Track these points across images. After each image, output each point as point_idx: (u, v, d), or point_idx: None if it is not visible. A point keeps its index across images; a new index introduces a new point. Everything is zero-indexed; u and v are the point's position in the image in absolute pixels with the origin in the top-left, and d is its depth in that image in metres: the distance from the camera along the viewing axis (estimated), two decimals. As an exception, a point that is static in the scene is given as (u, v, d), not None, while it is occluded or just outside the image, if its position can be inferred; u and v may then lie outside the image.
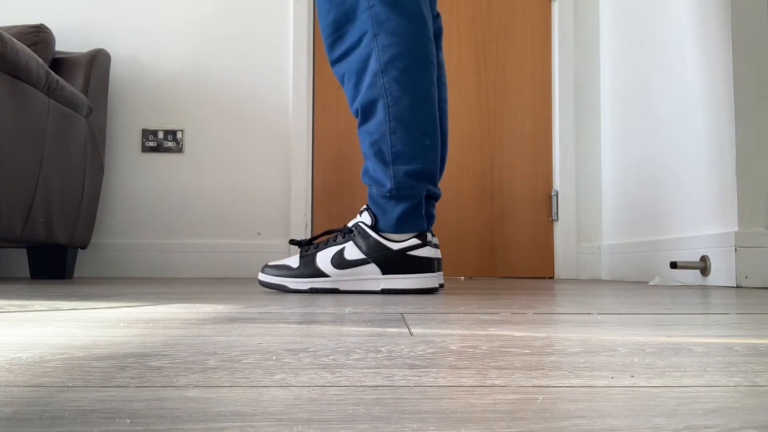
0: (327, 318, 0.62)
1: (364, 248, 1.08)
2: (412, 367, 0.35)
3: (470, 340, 0.46)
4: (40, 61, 1.65)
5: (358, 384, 0.30)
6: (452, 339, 0.46)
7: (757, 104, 1.45)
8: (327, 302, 0.84)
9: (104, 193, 2.20)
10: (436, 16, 1.24)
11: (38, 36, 1.90)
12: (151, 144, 2.22)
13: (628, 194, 2.07)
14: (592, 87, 2.30)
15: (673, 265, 1.51)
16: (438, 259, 1.11)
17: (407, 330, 0.51)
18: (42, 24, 1.95)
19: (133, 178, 2.22)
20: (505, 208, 2.28)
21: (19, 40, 1.65)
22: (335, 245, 1.10)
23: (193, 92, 2.24)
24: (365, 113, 1.09)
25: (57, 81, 1.72)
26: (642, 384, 0.31)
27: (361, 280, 1.09)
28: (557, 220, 2.26)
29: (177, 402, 0.26)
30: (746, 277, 1.40)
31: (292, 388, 0.29)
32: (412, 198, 1.09)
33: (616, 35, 2.17)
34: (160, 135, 2.22)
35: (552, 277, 2.26)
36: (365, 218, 1.10)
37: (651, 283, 1.61)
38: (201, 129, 2.24)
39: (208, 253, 2.18)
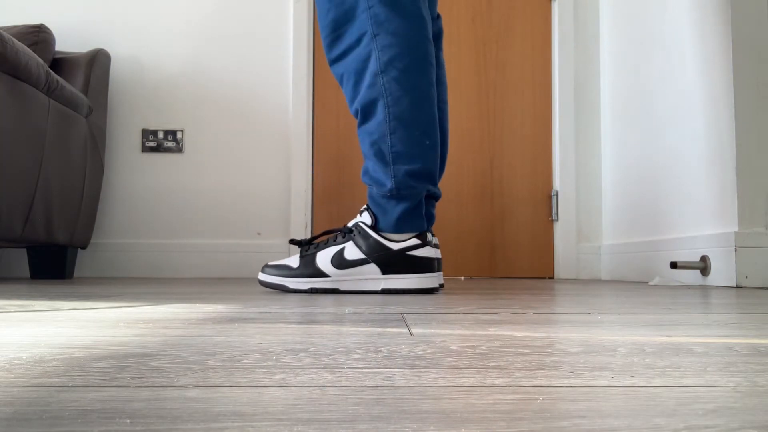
0: (327, 318, 0.62)
1: (364, 248, 1.08)
2: (412, 367, 0.35)
3: (470, 340, 0.46)
4: (40, 61, 1.65)
5: (358, 384, 0.30)
6: (452, 339, 0.46)
7: (757, 104, 1.45)
8: (327, 302, 0.84)
9: (104, 193, 2.20)
10: (437, 17, 1.24)
11: (38, 36, 1.90)
12: (151, 144, 2.22)
13: (628, 194, 2.06)
14: (592, 87, 2.30)
15: (673, 265, 1.51)
16: (438, 259, 1.11)
17: (407, 330, 0.51)
18: (42, 24, 1.95)
19: (133, 178, 2.22)
20: (505, 208, 2.28)
21: (19, 40, 1.65)
22: (335, 245, 1.10)
23: (193, 92, 2.24)
24: (365, 113, 1.09)
25: (57, 81, 1.72)
26: (642, 384, 0.31)
27: (361, 280, 1.09)
28: (557, 220, 2.26)
29: (177, 402, 0.26)
30: (746, 277, 1.40)
31: (292, 388, 0.29)
32: (413, 198, 1.09)
33: (616, 35, 2.17)
34: (160, 135, 2.22)
35: (552, 277, 2.26)
36: (365, 218, 1.10)
37: (651, 283, 1.61)
38: (201, 129, 2.24)
39: (208, 253, 2.18)
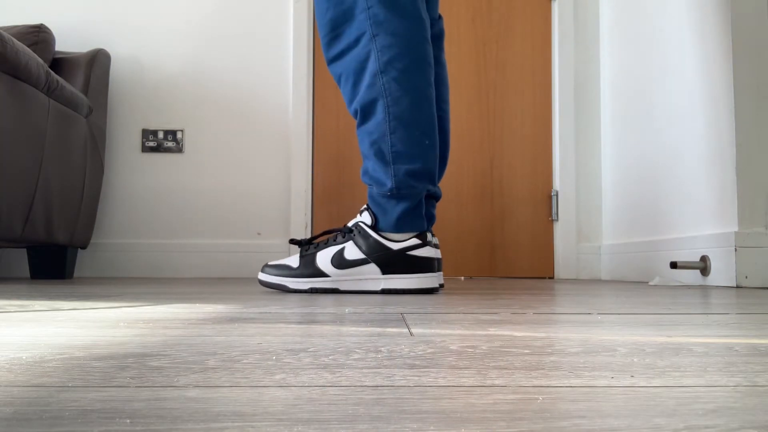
0: (327, 318, 0.62)
1: (364, 248, 1.08)
2: (412, 367, 0.35)
3: (470, 340, 0.46)
4: (40, 61, 1.65)
5: (358, 384, 0.30)
6: (452, 339, 0.46)
7: (757, 104, 1.45)
8: (327, 302, 0.84)
9: (104, 193, 2.20)
10: (438, 18, 1.24)
11: (38, 36, 1.90)
12: (151, 144, 2.22)
13: (628, 194, 2.07)
14: (592, 87, 2.30)
15: (673, 265, 1.51)
16: (438, 259, 1.11)
17: (407, 330, 0.51)
18: (42, 24, 1.95)
19: (133, 178, 2.22)
20: (505, 208, 2.28)
21: (19, 40, 1.65)
22: (335, 245, 1.10)
23: (193, 92, 2.24)
24: (365, 113, 1.09)
25: (57, 81, 1.72)
26: (642, 384, 0.31)
27: (361, 280, 1.09)
28: (557, 220, 2.26)
29: (177, 402, 0.26)
30: (746, 277, 1.40)
31: (292, 388, 0.29)
32: (413, 197, 1.09)
33: (616, 35, 2.17)
34: (160, 135, 2.22)
35: (552, 277, 2.26)
36: (365, 218, 1.10)
37: (651, 283, 1.61)
38: (201, 129, 2.24)
39: (208, 253, 2.18)
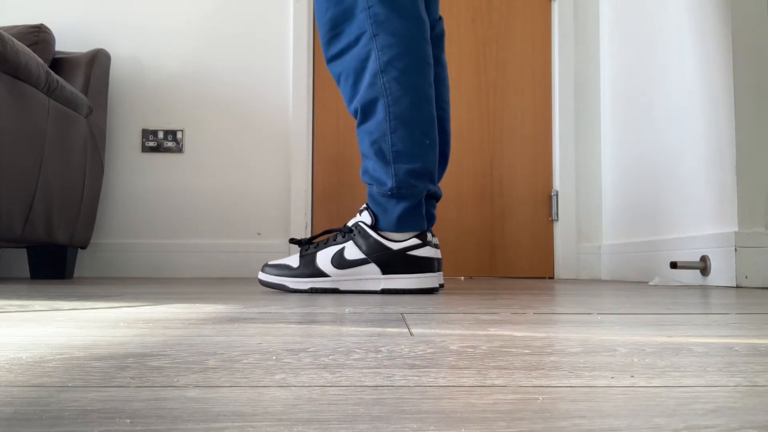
0: (327, 318, 0.62)
1: (364, 248, 1.08)
2: (412, 367, 0.35)
3: (470, 340, 0.46)
4: (40, 61, 1.65)
5: (358, 384, 0.30)
6: (452, 339, 0.46)
7: (757, 104, 1.45)
8: (327, 302, 0.84)
9: (104, 193, 2.20)
10: (439, 19, 1.25)
11: (38, 36, 1.90)
12: (151, 144, 2.22)
13: (628, 194, 2.07)
14: (592, 87, 2.30)
15: (673, 265, 1.51)
16: (438, 259, 1.11)
17: (407, 330, 0.51)
18: (42, 24, 1.95)
19: (133, 178, 2.22)
20: (505, 208, 2.28)
21: (19, 40, 1.65)
22: (335, 245, 1.10)
23: (193, 92, 2.24)
24: (365, 113, 1.09)
25: (57, 81, 1.72)
26: (642, 384, 0.31)
27: (361, 279, 1.09)
28: (557, 220, 2.26)
29: (177, 402, 0.26)
30: (746, 277, 1.40)
31: (292, 388, 0.29)
32: (413, 197, 1.09)
33: (616, 35, 2.17)
34: (160, 135, 2.22)
35: (552, 277, 2.26)
36: (365, 217, 1.10)
37: (651, 283, 1.61)
38: (201, 129, 2.24)
39: (208, 253, 2.18)
